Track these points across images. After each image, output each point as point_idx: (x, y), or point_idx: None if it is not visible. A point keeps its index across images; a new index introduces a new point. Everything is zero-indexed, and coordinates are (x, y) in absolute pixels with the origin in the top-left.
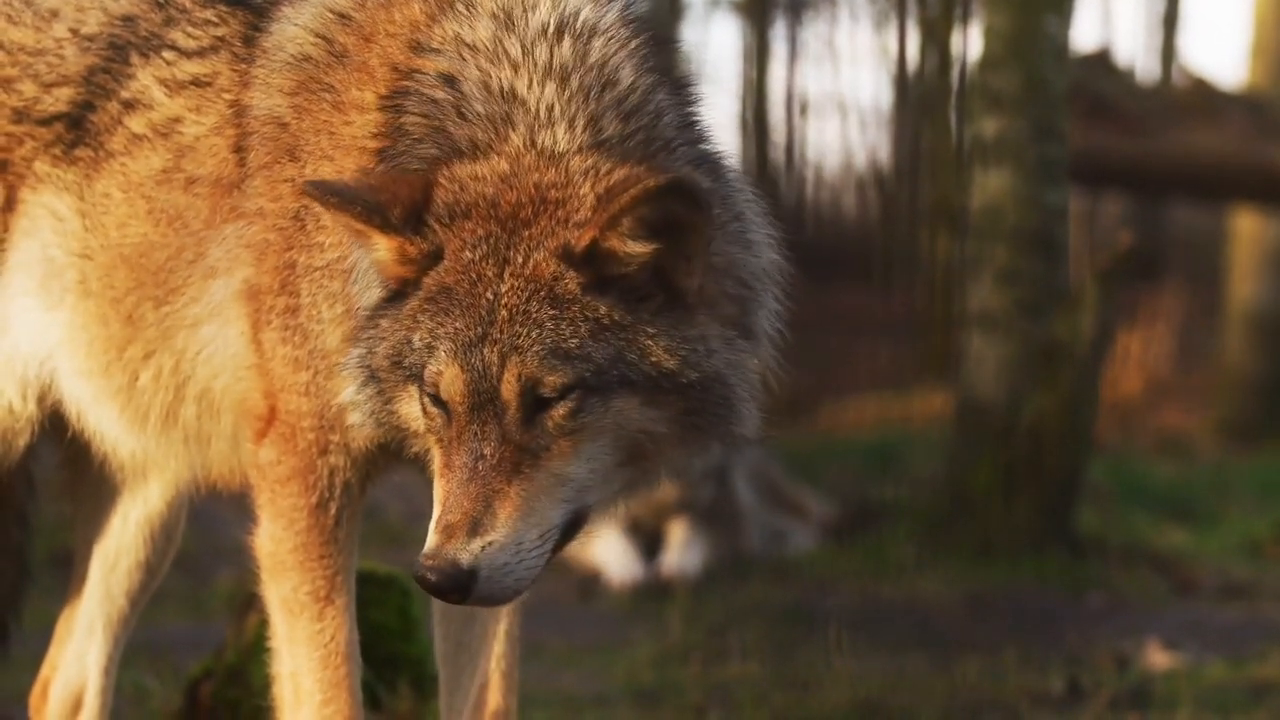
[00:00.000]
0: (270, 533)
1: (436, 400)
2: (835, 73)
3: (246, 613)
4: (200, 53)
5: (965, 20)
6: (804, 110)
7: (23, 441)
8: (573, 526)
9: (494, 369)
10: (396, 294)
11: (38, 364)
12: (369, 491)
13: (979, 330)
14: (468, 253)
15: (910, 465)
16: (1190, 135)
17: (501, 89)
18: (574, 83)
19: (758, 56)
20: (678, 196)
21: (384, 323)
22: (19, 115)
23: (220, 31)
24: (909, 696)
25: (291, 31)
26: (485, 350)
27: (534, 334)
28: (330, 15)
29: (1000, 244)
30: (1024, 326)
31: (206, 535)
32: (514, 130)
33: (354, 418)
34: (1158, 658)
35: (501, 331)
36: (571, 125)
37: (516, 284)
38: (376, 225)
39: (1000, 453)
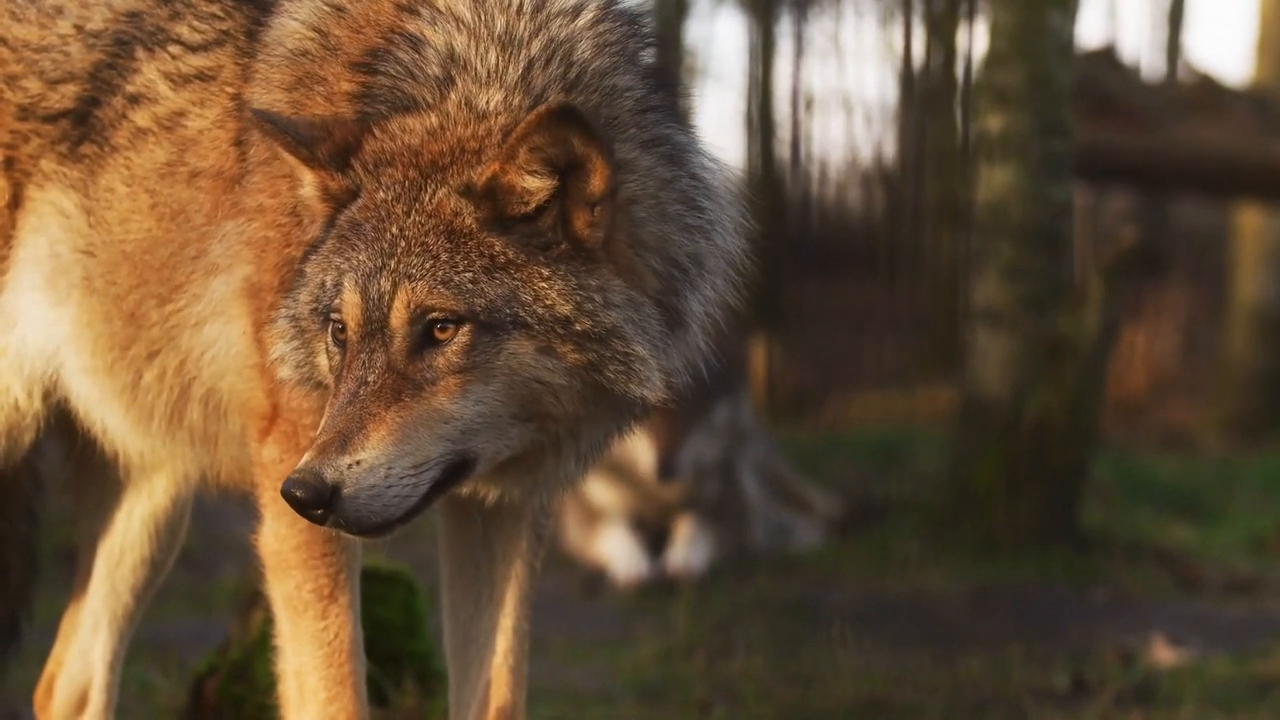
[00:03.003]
0: (274, 531)
1: (338, 339)
2: (840, 69)
3: (251, 609)
4: (205, 47)
5: (970, 16)
6: (809, 106)
7: (28, 438)
8: (457, 470)
9: (386, 296)
10: (320, 240)
11: (45, 360)
12: None
13: (984, 326)
14: (381, 193)
15: (915, 461)
16: (1195, 131)
17: (453, 53)
18: (522, 53)
19: (763, 53)
20: (569, 123)
21: (307, 269)
22: (25, 112)
23: (225, 25)
24: (913, 692)
25: (291, 26)
26: (382, 279)
27: (427, 265)
28: (326, 8)
29: (1005, 240)
30: (1029, 322)
31: (211, 532)
32: (454, 90)
33: (283, 372)
34: (1162, 653)
35: (399, 262)
36: (508, 90)
37: (419, 219)
38: (303, 157)
39: (1005, 448)
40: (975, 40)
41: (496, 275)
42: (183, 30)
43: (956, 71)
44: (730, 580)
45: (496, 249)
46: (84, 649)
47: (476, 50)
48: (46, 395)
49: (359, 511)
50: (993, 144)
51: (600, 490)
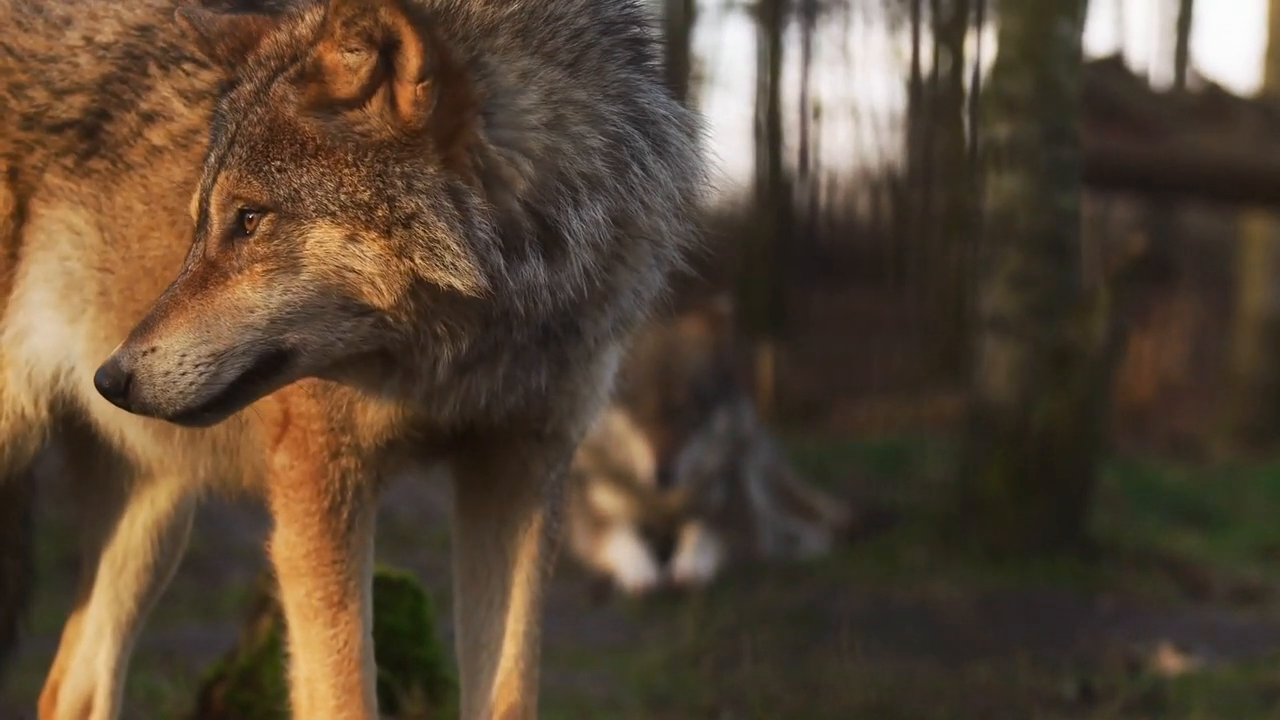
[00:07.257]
0: (284, 538)
1: None
2: (848, 76)
3: (258, 615)
4: None
5: (978, 24)
6: (817, 114)
7: (34, 447)
8: (275, 363)
9: (209, 189)
10: None
11: (61, 375)
12: (381, 495)
13: (991, 333)
14: (247, 86)
15: (922, 468)
16: (1203, 139)
17: None
18: None
19: (771, 60)
20: None
21: None
22: (29, 121)
23: None
24: (920, 699)
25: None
26: (212, 172)
27: (244, 154)
28: None
29: (1012, 247)
30: (1036, 330)
31: (218, 538)
32: None
33: None
34: (1170, 661)
35: (226, 154)
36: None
37: (258, 111)
38: (206, 53)
39: (1012, 456)
40: (983, 48)
41: (305, 163)
42: (195, 47)
43: (964, 79)
44: (737, 587)
45: (308, 135)
46: (87, 656)
47: None
48: (53, 406)
49: (155, 398)
50: (1000, 152)
51: (606, 498)
